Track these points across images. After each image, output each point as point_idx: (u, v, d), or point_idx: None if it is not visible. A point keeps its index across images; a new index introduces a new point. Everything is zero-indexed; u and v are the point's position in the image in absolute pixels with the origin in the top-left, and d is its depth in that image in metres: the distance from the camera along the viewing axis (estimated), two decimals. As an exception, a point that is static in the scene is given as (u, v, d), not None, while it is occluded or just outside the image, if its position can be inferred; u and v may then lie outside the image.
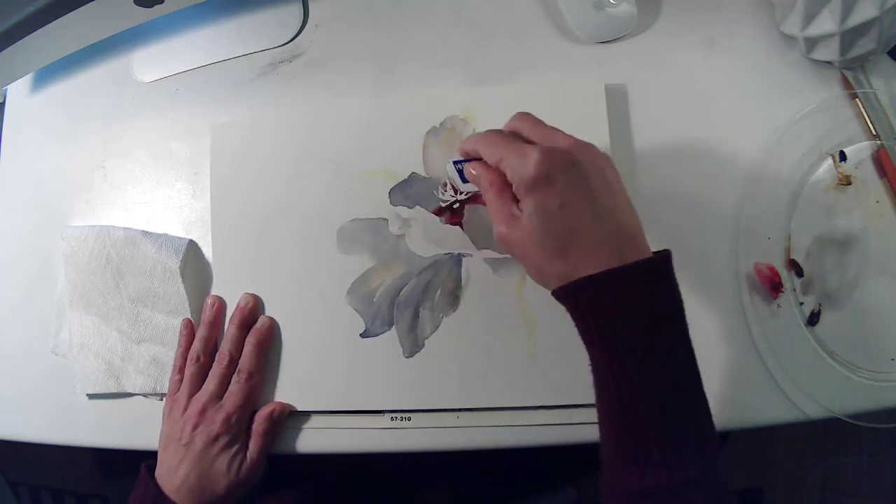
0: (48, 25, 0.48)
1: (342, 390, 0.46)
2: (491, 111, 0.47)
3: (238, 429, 0.45)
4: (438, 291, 0.46)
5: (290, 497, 0.53)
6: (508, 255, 0.45)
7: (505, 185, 0.35)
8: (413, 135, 0.48)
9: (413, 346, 0.46)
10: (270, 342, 0.47)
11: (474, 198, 0.47)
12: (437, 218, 0.46)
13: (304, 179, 0.49)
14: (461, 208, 0.47)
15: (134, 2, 0.49)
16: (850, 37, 0.43)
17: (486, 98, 0.48)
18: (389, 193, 0.48)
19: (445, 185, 0.47)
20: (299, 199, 0.49)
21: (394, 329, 0.46)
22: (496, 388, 0.45)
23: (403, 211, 0.48)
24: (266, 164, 0.50)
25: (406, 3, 0.53)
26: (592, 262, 0.33)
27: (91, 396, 0.51)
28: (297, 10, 0.55)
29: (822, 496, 0.91)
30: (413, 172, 0.48)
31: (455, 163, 0.39)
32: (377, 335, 0.46)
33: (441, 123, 0.48)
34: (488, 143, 0.36)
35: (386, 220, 0.48)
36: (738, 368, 0.44)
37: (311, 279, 0.48)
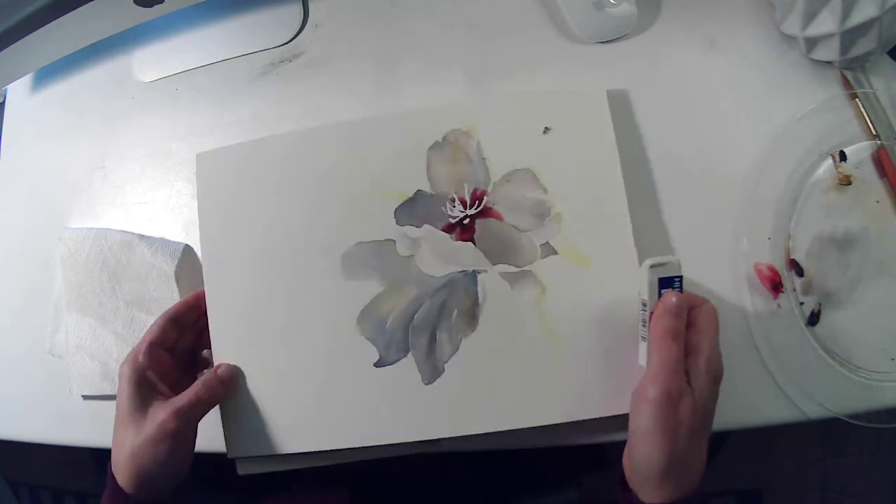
0: (48, 25, 0.48)
1: (360, 425, 0.44)
2: (494, 122, 0.46)
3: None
4: (455, 312, 0.44)
5: (291, 498, 0.53)
6: (526, 268, 0.44)
7: (688, 347, 0.36)
8: (415, 151, 0.46)
9: (432, 371, 0.44)
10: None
11: (485, 212, 0.45)
12: (447, 235, 0.45)
13: (301, 205, 0.47)
14: (472, 223, 0.45)
15: (134, 2, 0.49)
16: (850, 37, 0.43)
17: (487, 109, 0.47)
18: (395, 213, 0.46)
19: (453, 200, 0.45)
20: (298, 227, 0.46)
21: (410, 355, 0.44)
22: (524, 405, 0.42)
23: (411, 231, 0.45)
24: (258, 193, 0.47)
25: (406, 3, 0.53)
26: (694, 476, 0.34)
27: (88, 397, 0.51)
28: (296, 10, 0.55)
29: (822, 496, 0.91)
30: (418, 190, 0.46)
31: (664, 280, 0.36)
32: (393, 363, 0.44)
33: (444, 138, 0.46)
34: (711, 318, 0.37)
35: (393, 241, 0.45)
36: (738, 368, 0.44)
37: (318, 310, 0.45)
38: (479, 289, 0.44)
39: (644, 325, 0.37)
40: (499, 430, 0.42)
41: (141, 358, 0.41)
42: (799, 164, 0.46)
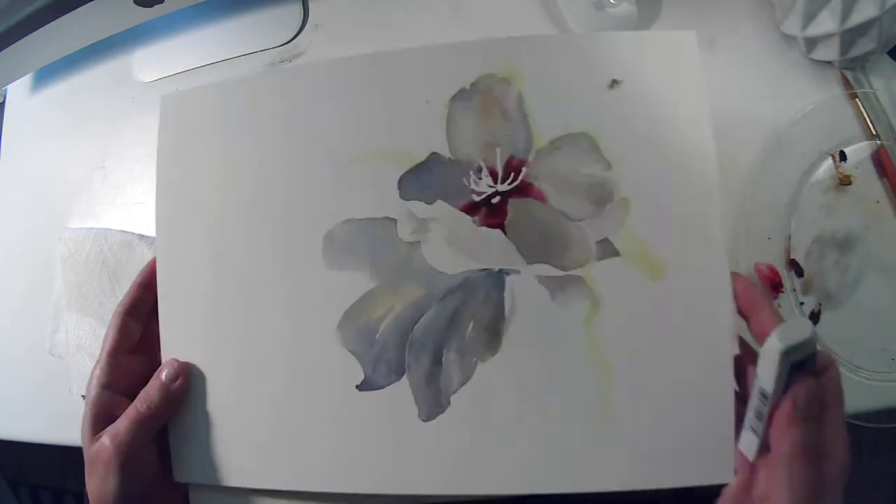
0: (48, 25, 0.48)
1: (333, 465, 0.34)
2: (544, 69, 0.34)
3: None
4: (470, 325, 0.33)
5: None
6: (575, 272, 0.33)
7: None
8: (432, 100, 0.35)
9: (434, 404, 0.33)
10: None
11: (522, 188, 0.34)
12: (468, 217, 0.34)
13: (279, 165, 0.36)
14: (504, 203, 0.34)
15: (134, 2, 0.49)
16: (850, 37, 0.43)
17: (536, 51, 0.34)
18: (399, 183, 0.35)
19: (480, 169, 0.34)
20: (272, 193, 0.36)
21: (405, 379, 0.33)
22: (553, 465, 0.32)
23: (419, 207, 0.34)
24: (230, 146, 0.37)
25: (406, 3, 0.53)
26: None
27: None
28: (296, 9, 0.55)
29: (822, 496, 0.91)
30: (433, 153, 0.35)
31: (799, 364, 0.26)
32: (382, 388, 0.33)
33: (472, 85, 0.35)
34: (839, 397, 0.28)
35: (394, 220, 0.35)
36: (739, 368, 0.44)
37: (288, 306, 0.35)
38: (507, 296, 0.33)
39: (759, 419, 0.28)
40: (516, 493, 0.32)
41: (99, 373, 0.34)
42: (799, 164, 0.46)
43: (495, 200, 0.34)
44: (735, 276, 0.31)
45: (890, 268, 0.44)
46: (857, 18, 0.42)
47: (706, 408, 0.30)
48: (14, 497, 0.93)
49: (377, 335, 0.34)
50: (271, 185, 0.36)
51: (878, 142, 0.45)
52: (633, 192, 0.33)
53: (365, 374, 0.34)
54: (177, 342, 0.36)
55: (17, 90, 0.61)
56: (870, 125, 0.45)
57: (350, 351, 0.34)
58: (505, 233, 0.34)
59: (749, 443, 0.29)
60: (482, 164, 0.34)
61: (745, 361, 0.31)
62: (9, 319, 0.54)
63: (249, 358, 0.35)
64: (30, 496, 0.96)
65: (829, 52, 0.45)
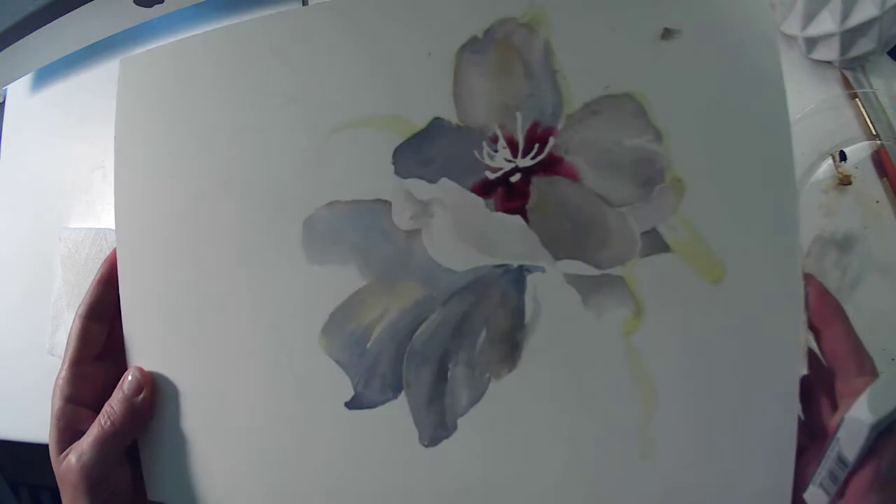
0: (48, 25, 0.48)
1: (317, 494, 0.29)
2: (577, 13, 0.28)
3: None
4: (482, 334, 0.28)
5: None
6: (613, 271, 0.27)
7: None
8: (435, 52, 0.28)
9: (437, 427, 0.28)
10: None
11: (549, 164, 0.27)
12: (480, 200, 0.28)
13: (251, 138, 0.30)
14: (525, 183, 0.27)
15: (134, 2, 0.49)
16: (850, 37, 0.43)
17: None
18: (394, 156, 0.29)
19: (496, 138, 0.28)
20: (242, 170, 0.30)
21: (403, 397, 0.28)
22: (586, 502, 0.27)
23: (419, 187, 0.28)
24: (194, 118, 0.32)
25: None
26: None
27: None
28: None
29: (822, 496, 0.91)
30: (436, 118, 0.28)
31: (886, 428, 0.23)
32: (375, 406, 0.28)
33: (486, 32, 0.28)
34: None
35: (388, 203, 0.29)
36: (739, 368, 0.43)
37: (262, 306, 0.30)
38: (528, 299, 0.27)
39: (833, 481, 0.25)
40: None
41: (62, 384, 0.31)
42: (799, 164, 0.45)
43: (515, 179, 0.28)
44: (809, 279, 0.25)
45: (890, 268, 0.44)
46: (857, 18, 0.42)
47: (763, 442, 0.25)
48: (14, 497, 0.93)
49: (369, 344, 0.28)
50: (240, 161, 0.30)
51: (878, 142, 0.45)
52: (689, 172, 0.26)
53: (355, 389, 0.29)
54: (142, 346, 0.31)
55: (17, 90, 0.61)
56: (870, 125, 0.45)
57: (336, 361, 0.29)
58: (527, 220, 0.27)
59: (818, 499, 0.26)
60: (498, 133, 0.28)
61: (811, 381, 0.27)
62: (8, 319, 0.55)
63: (221, 367, 0.30)
64: (30, 496, 0.96)
65: (829, 52, 0.45)
